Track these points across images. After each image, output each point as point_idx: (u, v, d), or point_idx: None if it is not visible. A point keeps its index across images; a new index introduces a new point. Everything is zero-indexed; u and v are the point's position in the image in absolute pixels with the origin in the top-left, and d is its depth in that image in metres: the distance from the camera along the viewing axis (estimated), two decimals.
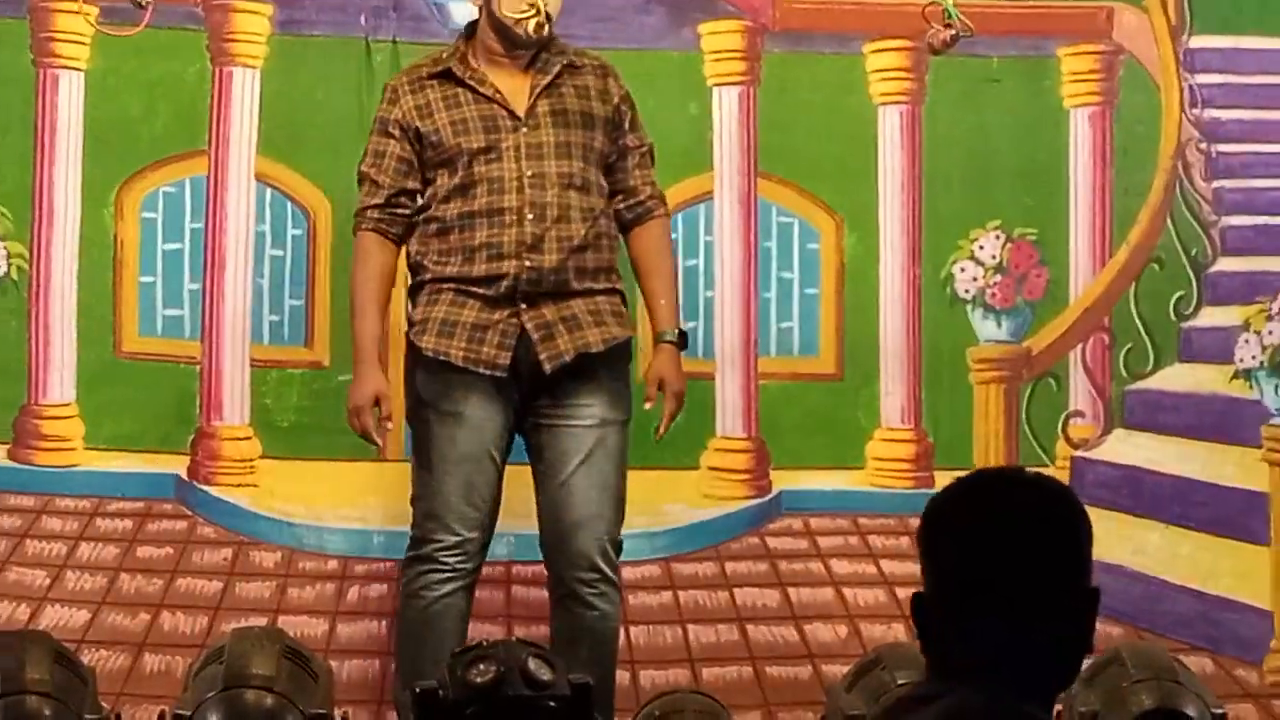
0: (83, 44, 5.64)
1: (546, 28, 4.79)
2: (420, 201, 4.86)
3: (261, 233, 5.70)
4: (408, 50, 5.58)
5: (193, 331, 5.68)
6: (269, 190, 5.71)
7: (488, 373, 4.75)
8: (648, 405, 4.89)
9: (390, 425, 4.91)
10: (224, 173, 5.69)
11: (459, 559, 4.79)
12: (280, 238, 5.71)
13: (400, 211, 4.86)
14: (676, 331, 4.93)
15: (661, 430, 4.88)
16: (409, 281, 4.91)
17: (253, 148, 5.69)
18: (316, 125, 5.69)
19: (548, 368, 4.74)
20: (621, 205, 4.92)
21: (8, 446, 5.61)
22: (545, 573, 4.92)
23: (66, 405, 5.64)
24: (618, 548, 4.83)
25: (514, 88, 4.85)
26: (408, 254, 4.87)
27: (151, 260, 5.68)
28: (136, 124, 5.68)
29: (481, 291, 4.77)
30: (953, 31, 5.27)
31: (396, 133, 4.85)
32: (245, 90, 5.69)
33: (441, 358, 4.76)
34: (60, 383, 5.64)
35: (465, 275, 4.78)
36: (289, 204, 5.73)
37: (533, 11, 4.77)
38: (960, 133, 5.79)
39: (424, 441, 4.82)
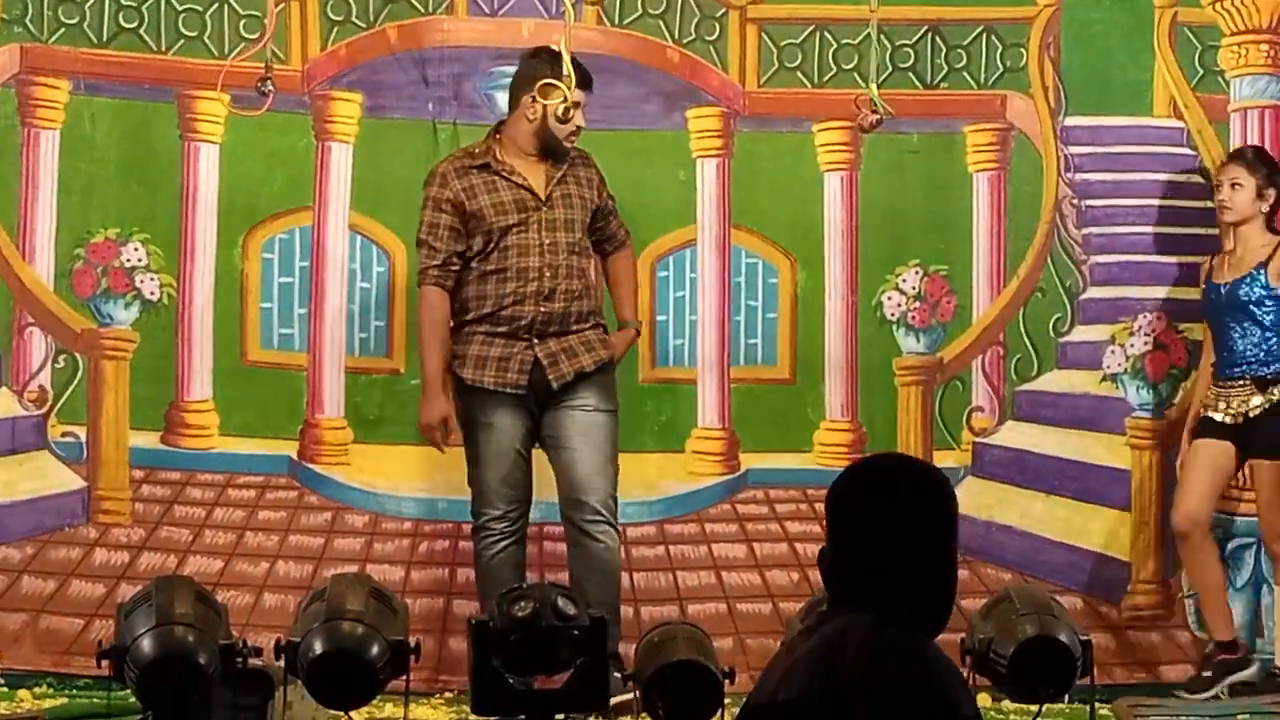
0: (218, 123, 5.61)
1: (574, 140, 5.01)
2: (466, 263, 4.99)
3: (353, 270, 5.67)
4: (465, 130, 5.57)
5: (301, 345, 5.66)
6: (359, 237, 5.68)
7: (512, 392, 4.92)
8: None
9: (455, 436, 5.05)
10: (324, 223, 5.67)
11: (505, 526, 4.97)
12: (368, 274, 5.68)
13: (453, 268, 5.01)
14: (637, 322, 5.21)
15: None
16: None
17: (346, 204, 5.66)
18: (395, 187, 5.62)
19: (555, 385, 4.93)
20: (607, 246, 5.15)
21: (160, 433, 5.59)
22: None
23: (205, 401, 5.62)
24: (614, 499, 4.96)
25: (535, 175, 5.01)
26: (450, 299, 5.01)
27: (269, 290, 5.65)
28: (258, 185, 5.66)
29: (504, 330, 4.94)
30: (878, 116, 5.18)
31: (448, 209, 4.99)
32: (341, 160, 5.67)
33: (478, 385, 4.94)
34: (200, 384, 5.62)
35: (494, 315, 4.94)
36: (374, 248, 5.69)
37: (575, 132, 4.99)
38: (887, 192, 5.72)
39: (470, 444, 5.01)
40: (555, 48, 4.78)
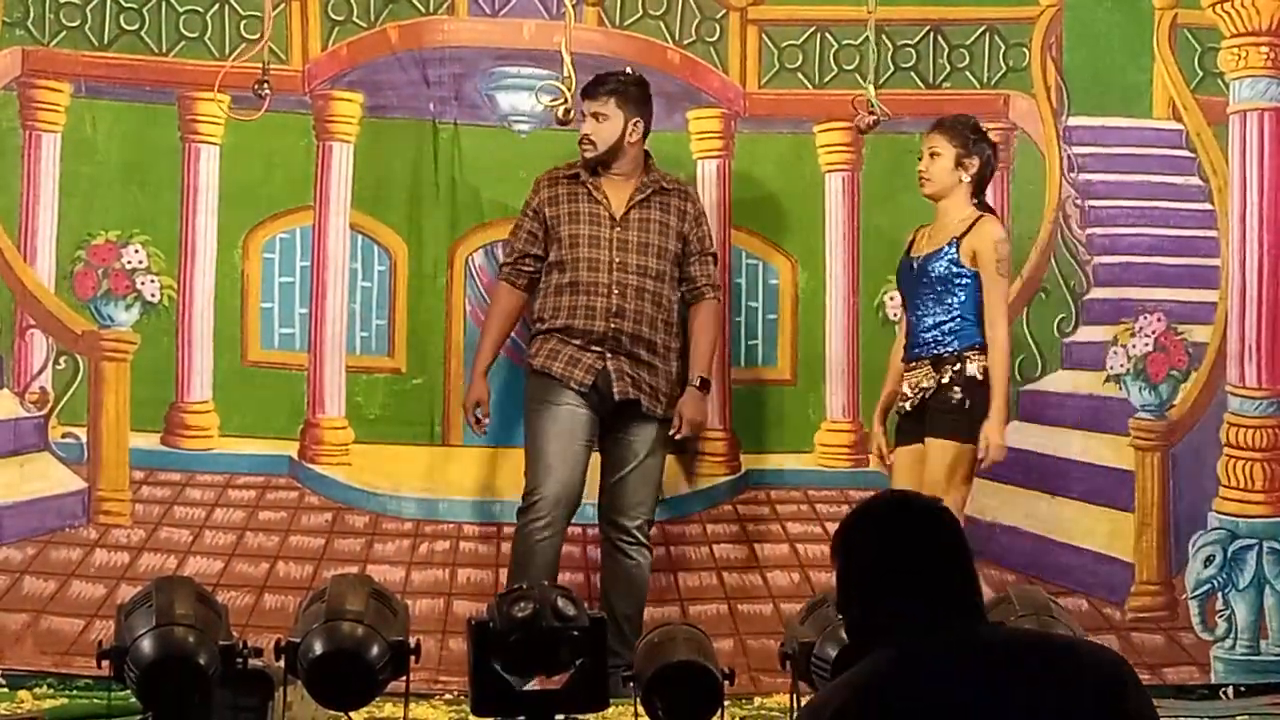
0: (217, 124, 5.61)
1: (590, 154, 5.11)
2: (541, 265, 5.16)
3: (354, 269, 5.66)
4: (466, 130, 5.59)
5: (302, 345, 5.65)
6: (360, 236, 5.67)
7: (575, 387, 5.04)
8: (674, 435, 5.20)
9: (488, 421, 5.22)
10: (325, 223, 5.66)
11: (552, 508, 5.06)
12: (369, 273, 5.66)
13: (524, 268, 5.19)
14: (700, 379, 5.22)
15: (677, 435, 5.21)
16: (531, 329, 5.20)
17: (347, 204, 5.66)
18: (395, 187, 5.66)
19: (617, 397, 5.06)
20: (685, 289, 5.23)
21: (160, 434, 5.59)
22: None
23: (205, 402, 5.62)
24: (651, 523, 5.14)
25: (617, 194, 5.14)
26: (530, 307, 5.18)
27: (270, 290, 5.65)
28: (258, 186, 5.66)
29: (577, 341, 5.07)
30: (875, 117, 5.21)
31: (530, 214, 5.18)
32: (341, 160, 5.66)
33: (546, 371, 5.06)
34: (200, 385, 5.61)
35: (568, 327, 5.08)
36: (375, 247, 5.68)
37: (581, 141, 5.12)
38: (888, 192, 5.68)
39: (529, 428, 5.12)
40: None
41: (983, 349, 4.99)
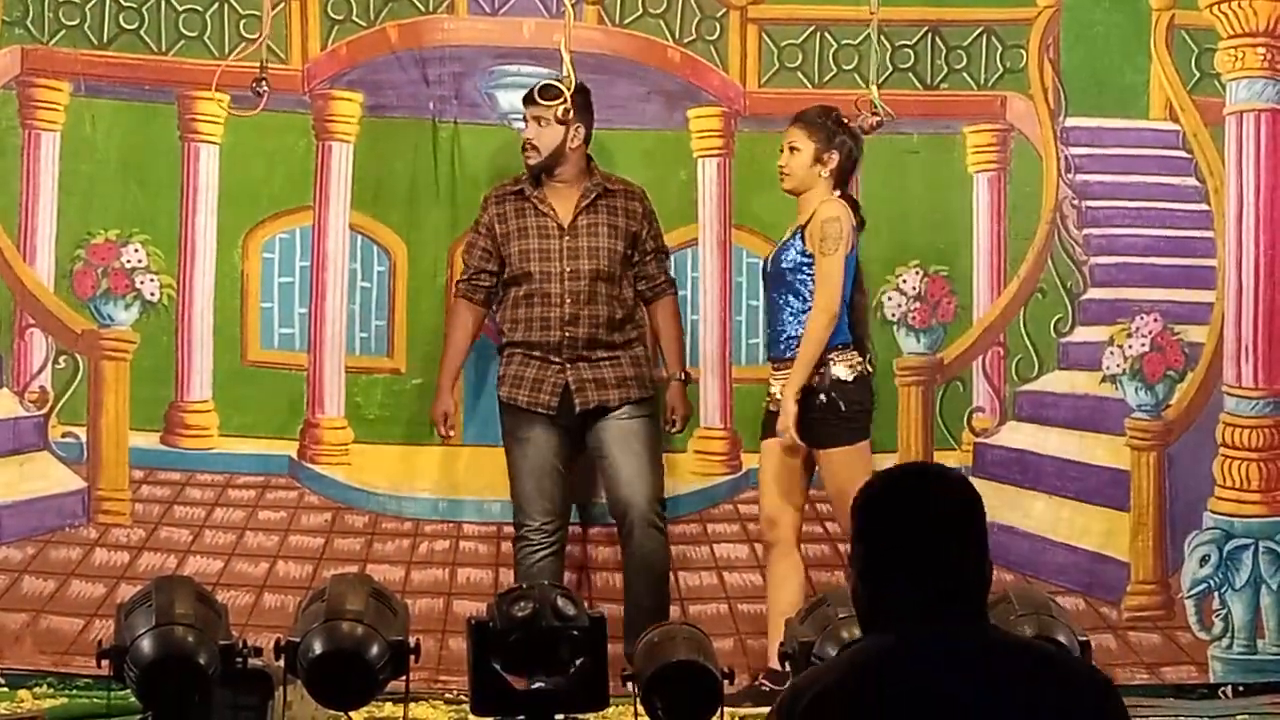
0: (217, 124, 5.59)
1: (533, 160, 5.18)
2: (497, 280, 5.25)
3: (354, 269, 5.65)
4: (466, 129, 5.59)
5: (301, 345, 5.64)
6: (359, 237, 5.65)
7: (543, 412, 5.14)
8: (669, 429, 5.31)
9: (454, 429, 5.32)
10: (325, 223, 5.65)
11: (542, 537, 5.19)
12: (368, 273, 5.66)
13: (480, 283, 5.28)
14: (681, 374, 5.35)
15: (675, 431, 5.37)
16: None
17: (347, 204, 5.64)
18: (395, 186, 5.64)
19: (578, 409, 5.15)
20: (644, 287, 5.30)
21: (159, 433, 5.58)
22: (603, 534, 5.38)
23: (205, 402, 5.61)
24: (660, 502, 5.20)
25: (564, 205, 5.21)
26: (493, 319, 5.30)
27: (270, 290, 5.64)
28: (258, 185, 5.64)
29: (538, 353, 5.16)
30: (878, 118, 5.17)
31: (484, 231, 5.26)
32: (341, 159, 5.65)
33: (513, 402, 5.18)
34: (200, 384, 5.60)
35: (527, 340, 5.17)
36: (375, 247, 5.67)
37: (523, 148, 5.19)
38: (888, 192, 5.66)
39: (509, 458, 5.25)
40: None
41: (848, 346, 4.92)
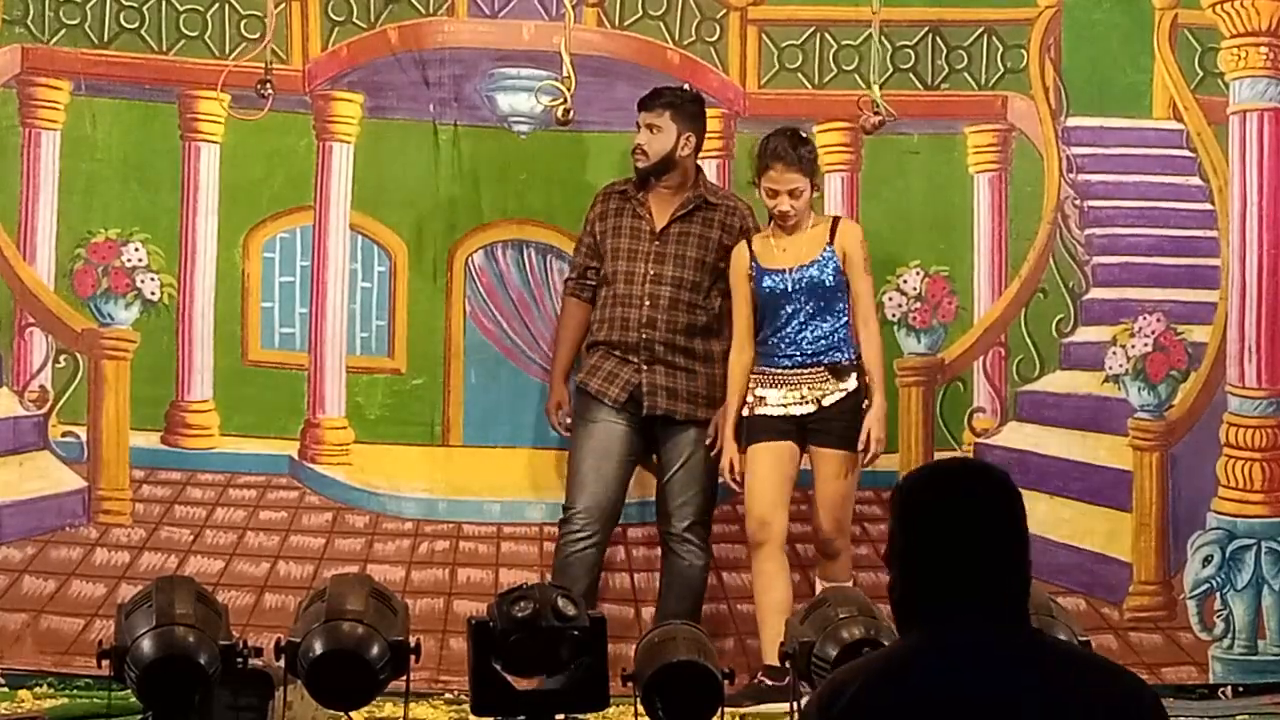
0: (218, 123, 5.60)
1: (641, 164, 5.20)
2: (600, 276, 5.29)
3: (354, 269, 5.65)
4: (466, 131, 5.59)
5: (302, 345, 5.64)
6: (360, 237, 5.66)
7: (610, 403, 5.18)
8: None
9: (569, 420, 5.34)
10: (326, 223, 5.65)
11: (586, 521, 5.19)
12: (369, 273, 5.66)
13: (587, 281, 5.32)
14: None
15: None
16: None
17: (348, 204, 5.65)
18: (396, 187, 5.65)
19: (645, 411, 5.18)
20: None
21: (160, 433, 5.58)
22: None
23: (205, 402, 5.61)
24: (705, 524, 5.24)
25: (662, 211, 5.25)
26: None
27: (270, 289, 5.64)
28: (259, 185, 5.65)
29: (617, 353, 5.21)
30: (880, 117, 5.20)
31: (589, 228, 5.30)
32: (342, 160, 5.65)
33: (584, 387, 5.22)
34: (201, 384, 5.60)
35: (609, 339, 5.23)
36: (375, 247, 5.68)
37: (634, 151, 5.22)
38: (889, 192, 5.68)
39: (572, 441, 5.27)
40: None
41: (857, 356, 5.15)
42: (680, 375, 5.23)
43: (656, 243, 5.23)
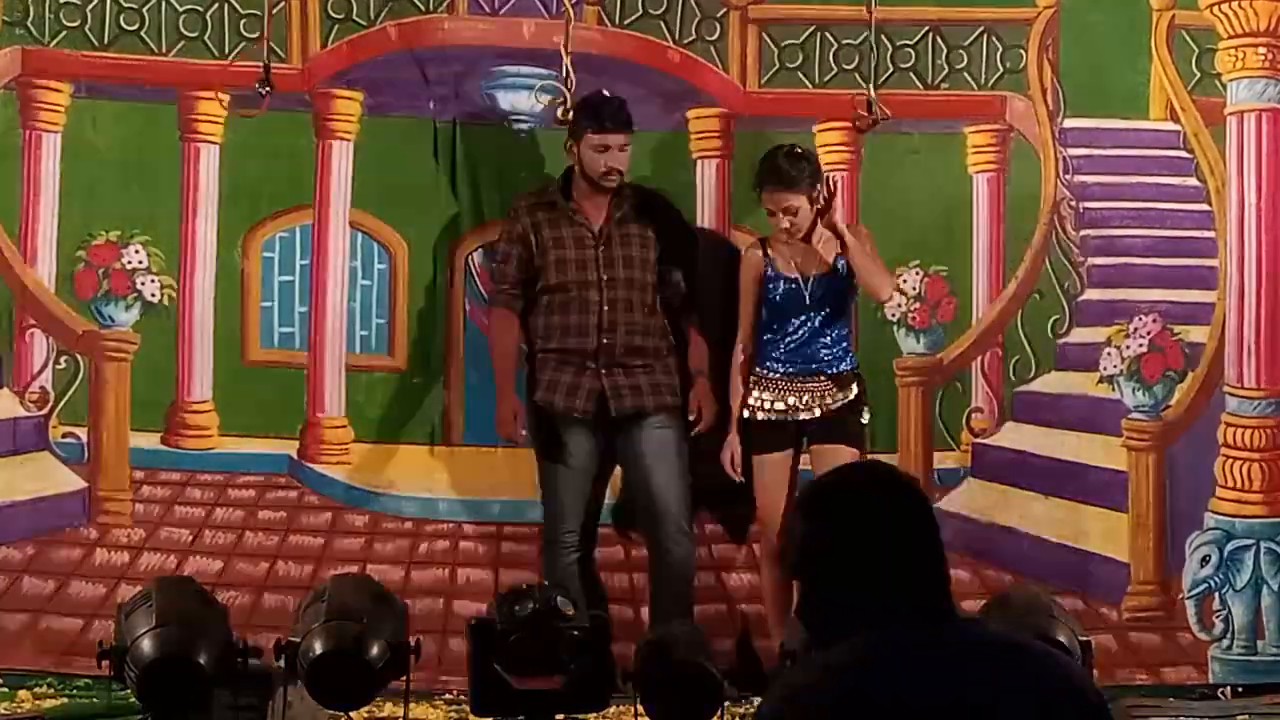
0: (218, 123, 5.59)
1: (617, 180, 5.16)
2: (527, 290, 5.24)
3: (354, 268, 5.64)
4: (466, 129, 5.58)
5: (302, 344, 5.63)
6: (360, 235, 5.65)
7: (579, 416, 5.14)
8: (692, 418, 5.25)
9: (524, 430, 5.25)
10: (325, 221, 5.64)
11: (575, 539, 5.20)
12: (369, 271, 5.65)
13: (520, 292, 5.24)
14: (704, 369, 5.32)
15: (701, 429, 5.27)
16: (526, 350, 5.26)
17: (347, 202, 5.64)
18: (396, 185, 5.64)
19: (614, 413, 5.15)
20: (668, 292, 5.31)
21: (160, 434, 5.57)
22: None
23: (205, 402, 5.60)
24: (689, 514, 5.21)
25: (596, 213, 5.22)
26: (524, 327, 5.25)
27: (270, 289, 5.64)
28: (258, 184, 5.64)
29: (574, 360, 5.16)
30: (874, 117, 5.23)
31: (518, 240, 5.22)
32: (341, 158, 5.64)
33: (549, 406, 5.18)
34: (200, 384, 5.60)
35: (562, 347, 5.17)
36: (375, 245, 5.67)
37: (609, 173, 5.17)
38: (888, 192, 5.67)
39: (545, 468, 5.24)
40: (603, 93, 5.15)
41: (858, 365, 5.29)
42: (639, 372, 5.22)
43: (602, 247, 5.22)
